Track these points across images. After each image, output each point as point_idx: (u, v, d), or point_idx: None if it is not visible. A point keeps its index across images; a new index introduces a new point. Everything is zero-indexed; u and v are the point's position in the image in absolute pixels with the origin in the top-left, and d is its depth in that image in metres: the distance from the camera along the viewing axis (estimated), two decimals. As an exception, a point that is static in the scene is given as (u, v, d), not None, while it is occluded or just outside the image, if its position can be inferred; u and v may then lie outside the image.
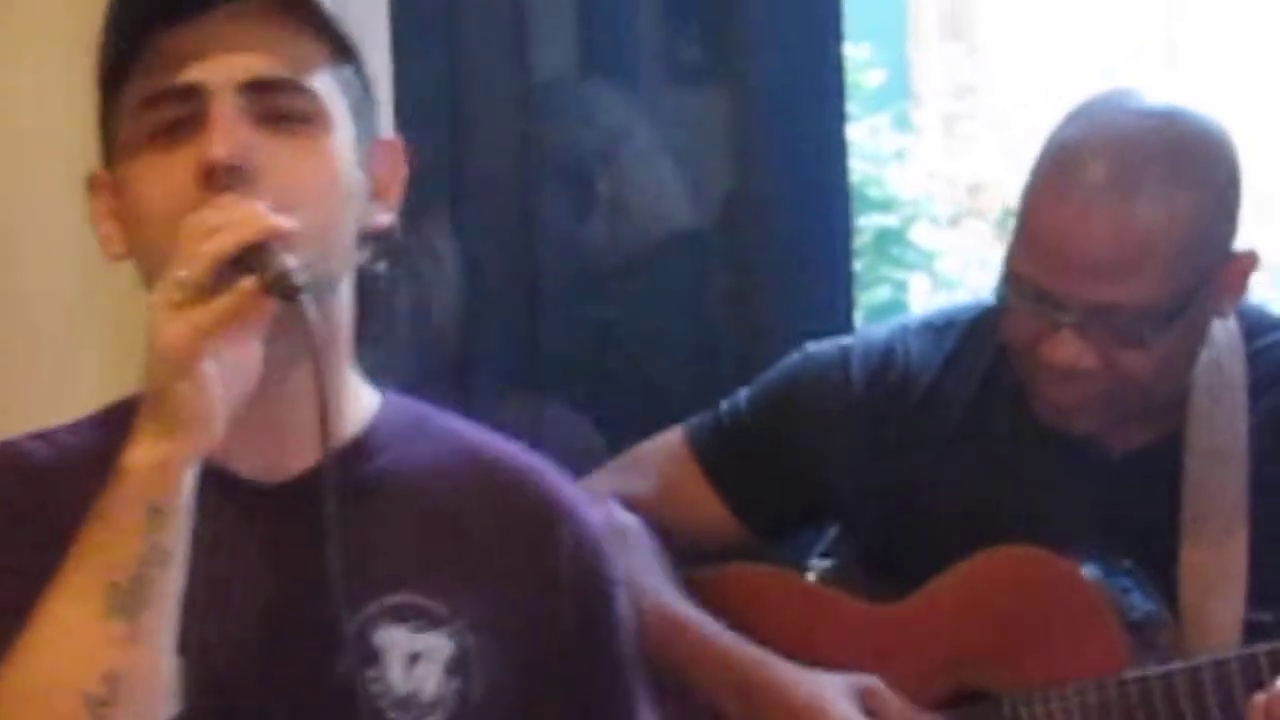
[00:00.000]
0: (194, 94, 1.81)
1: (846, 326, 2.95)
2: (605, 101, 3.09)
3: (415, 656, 1.86)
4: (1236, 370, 2.48)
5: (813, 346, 2.65)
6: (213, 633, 1.79)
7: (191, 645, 1.78)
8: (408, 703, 1.85)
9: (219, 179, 1.78)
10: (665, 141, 3.09)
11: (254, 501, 1.85)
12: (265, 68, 1.82)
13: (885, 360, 2.58)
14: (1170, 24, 7.07)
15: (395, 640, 1.86)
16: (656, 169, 3.10)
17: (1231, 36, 6.82)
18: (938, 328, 2.60)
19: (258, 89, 1.82)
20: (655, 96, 3.10)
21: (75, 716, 1.70)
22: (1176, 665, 2.38)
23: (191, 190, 1.78)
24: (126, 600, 1.72)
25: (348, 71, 1.88)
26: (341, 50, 1.87)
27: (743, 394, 2.65)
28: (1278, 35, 6.75)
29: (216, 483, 1.79)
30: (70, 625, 1.72)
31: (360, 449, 1.90)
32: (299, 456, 1.85)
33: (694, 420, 2.66)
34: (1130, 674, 2.39)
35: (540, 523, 1.94)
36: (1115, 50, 6.73)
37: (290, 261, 1.73)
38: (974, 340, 2.57)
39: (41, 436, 1.91)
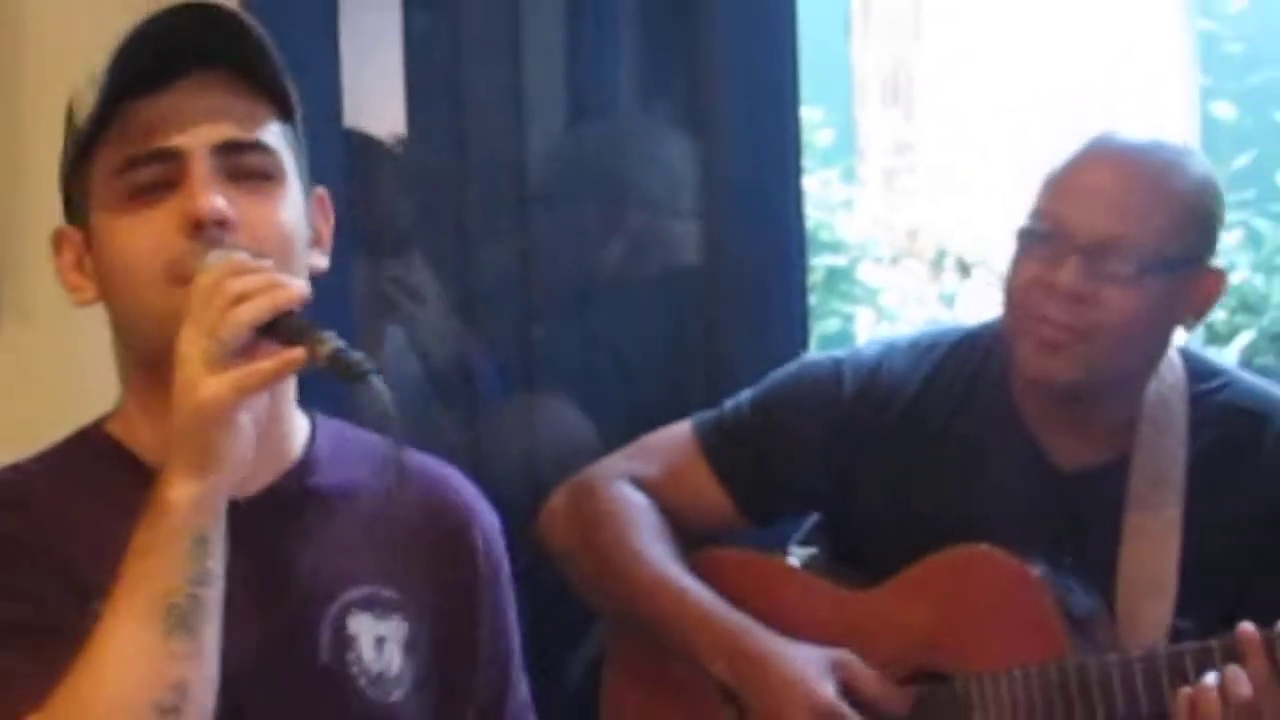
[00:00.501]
0: (172, 156, 1.81)
1: (801, 352, 2.94)
2: (593, 157, 3.10)
3: (381, 639, 1.88)
4: (1179, 408, 2.51)
5: (810, 357, 2.71)
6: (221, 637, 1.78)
7: None
8: (379, 680, 1.87)
9: (206, 230, 1.78)
10: (647, 191, 3.11)
11: (230, 517, 1.78)
12: (234, 131, 1.82)
13: (874, 375, 2.60)
14: (1093, 92, 7.13)
15: (365, 626, 1.88)
16: (638, 215, 3.11)
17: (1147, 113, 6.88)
18: (923, 348, 2.62)
19: (228, 150, 1.82)
20: (637, 153, 3.12)
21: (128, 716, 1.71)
22: (1111, 656, 2.40)
23: (175, 241, 1.79)
24: (186, 619, 1.72)
25: (290, 131, 1.88)
26: (286, 110, 1.87)
27: (746, 394, 2.67)
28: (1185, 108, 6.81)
29: None
30: (138, 644, 1.71)
31: (308, 466, 1.92)
32: (254, 478, 1.85)
33: (701, 415, 2.68)
34: (1070, 661, 2.41)
35: (458, 523, 1.98)
36: (1037, 115, 6.77)
37: (334, 338, 1.73)
38: (953, 361, 2.59)
39: (12, 469, 1.89)
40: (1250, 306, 5.94)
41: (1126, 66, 7.09)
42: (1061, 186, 2.46)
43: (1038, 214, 2.46)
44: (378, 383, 1.72)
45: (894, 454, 2.55)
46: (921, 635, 2.50)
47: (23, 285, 2.82)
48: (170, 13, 1.81)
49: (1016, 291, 2.46)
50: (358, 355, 1.73)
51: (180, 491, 1.72)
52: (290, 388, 1.90)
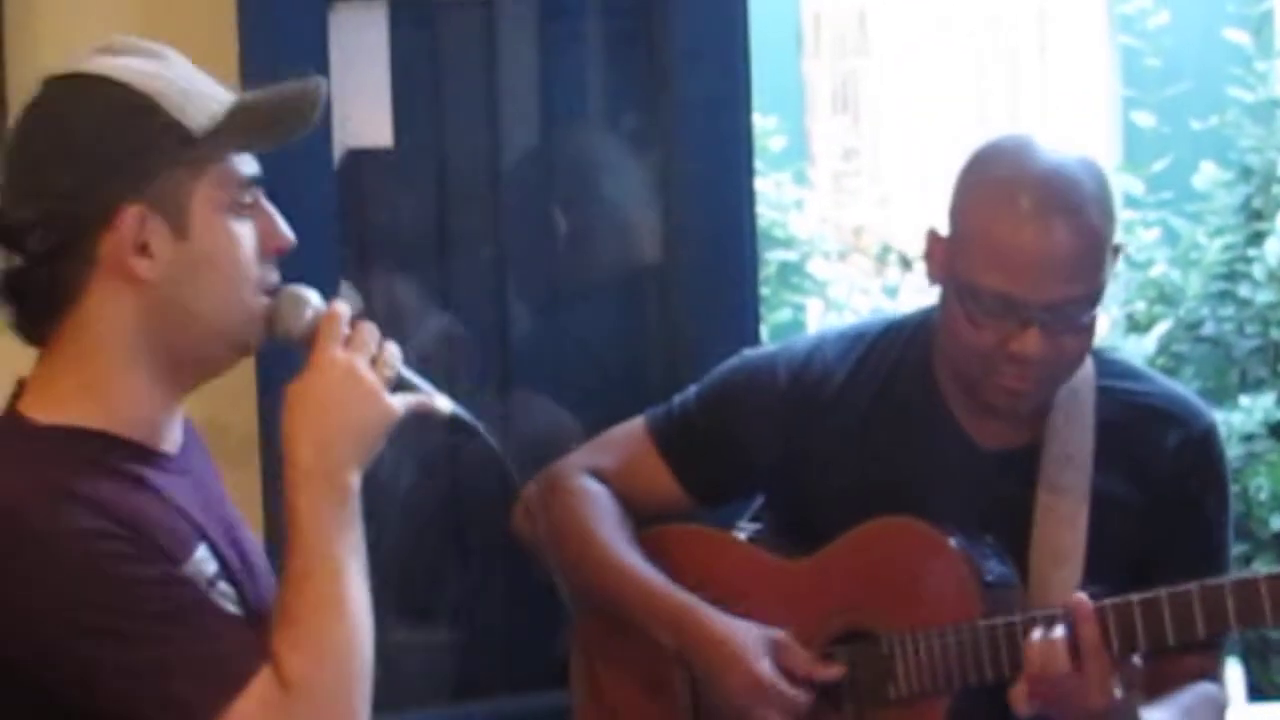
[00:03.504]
0: (258, 181, 1.92)
1: (754, 340, 2.97)
2: (563, 163, 3.10)
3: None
4: (1088, 398, 2.50)
5: (749, 352, 2.67)
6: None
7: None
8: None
9: (283, 254, 1.93)
10: (613, 194, 3.11)
11: (173, 465, 1.92)
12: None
13: (806, 364, 2.58)
14: (1013, 99, 7.15)
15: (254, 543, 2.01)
16: (605, 215, 3.11)
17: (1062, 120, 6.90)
18: (850, 339, 2.61)
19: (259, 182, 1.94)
20: (602, 159, 3.12)
21: (373, 659, 1.84)
22: (1016, 616, 2.40)
23: (256, 258, 1.91)
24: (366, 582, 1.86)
25: None
26: None
27: (693, 389, 2.66)
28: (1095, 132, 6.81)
29: (149, 454, 1.89)
30: (365, 598, 1.84)
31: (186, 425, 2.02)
32: (175, 435, 1.95)
33: (653, 409, 2.67)
34: (983, 622, 2.42)
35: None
36: (968, 121, 6.80)
37: (444, 399, 1.94)
38: (878, 350, 2.58)
39: (47, 471, 1.83)
40: (1168, 298, 5.95)
41: (1055, 78, 7.12)
42: (1005, 261, 2.35)
43: (985, 290, 2.36)
44: (489, 439, 1.96)
45: (827, 436, 2.54)
46: (850, 598, 2.51)
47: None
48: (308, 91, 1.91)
49: (975, 357, 2.41)
50: (467, 415, 1.95)
51: (357, 478, 1.86)
52: None
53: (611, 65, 3.13)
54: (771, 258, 6.06)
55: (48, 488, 1.78)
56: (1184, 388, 2.66)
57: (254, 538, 2.02)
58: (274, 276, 1.92)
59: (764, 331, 3.21)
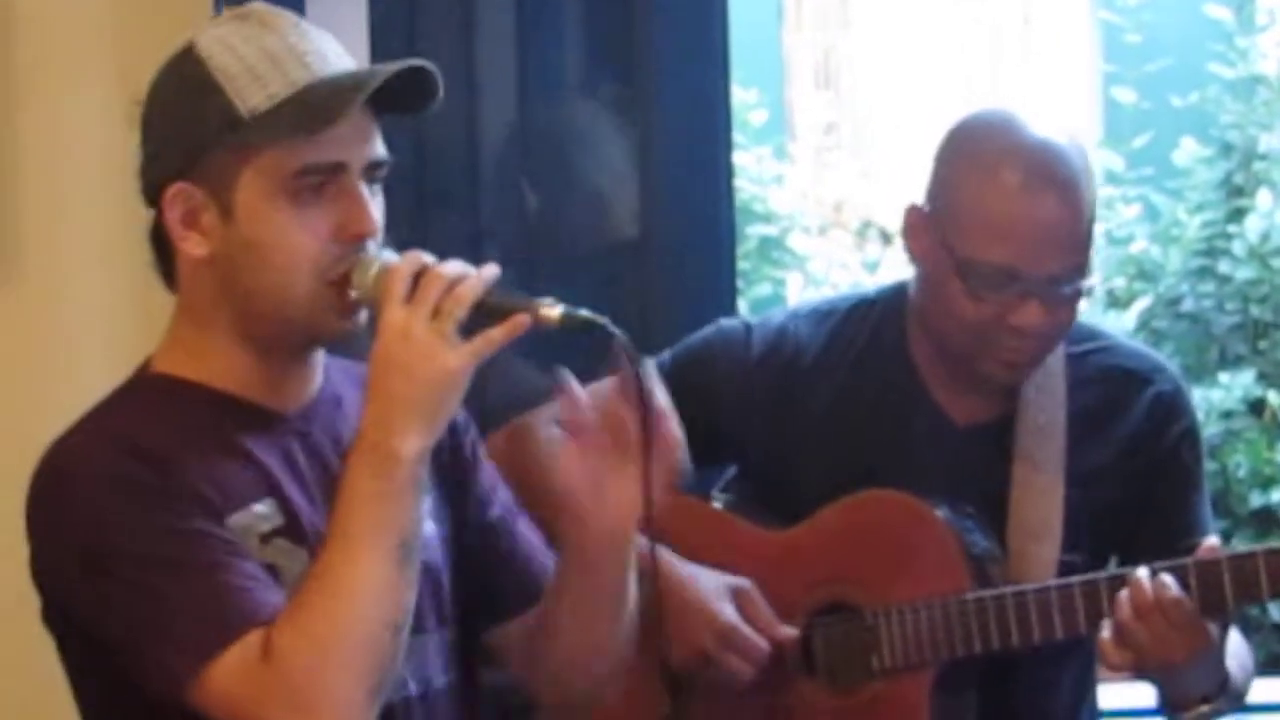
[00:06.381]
0: (340, 169, 1.85)
1: (730, 314, 2.87)
2: (538, 137, 3.06)
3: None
4: (1058, 368, 2.50)
5: (724, 321, 2.64)
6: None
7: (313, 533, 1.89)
8: (425, 544, 1.91)
9: (365, 241, 1.85)
10: (589, 167, 3.08)
11: (280, 424, 1.92)
12: (377, 151, 1.88)
13: (779, 338, 2.56)
14: (994, 75, 7.16)
15: None
16: (581, 189, 3.08)
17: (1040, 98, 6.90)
18: (823, 314, 2.59)
19: (371, 167, 1.88)
20: (580, 132, 3.09)
21: (388, 642, 1.79)
22: (1007, 589, 2.41)
23: (327, 246, 1.85)
24: (408, 555, 1.80)
25: None
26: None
27: (666, 354, 2.60)
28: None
29: (247, 409, 1.91)
30: (381, 578, 1.78)
31: (328, 380, 1.99)
32: (302, 392, 1.94)
33: None
34: (969, 596, 2.42)
35: None
36: (950, 97, 6.80)
37: (555, 301, 1.82)
38: (851, 325, 2.56)
39: (98, 420, 1.90)
40: (1147, 274, 5.97)
41: (1036, 54, 7.12)
42: (1006, 234, 2.36)
43: (986, 264, 2.37)
44: (613, 328, 1.83)
45: (802, 412, 2.52)
46: (834, 571, 2.49)
47: (16, 251, 2.82)
48: (396, 72, 1.85)
49: (973, 332, 2.41)
50: (585, 311, 1.83)
51: (413, 445, 1.79)
52: None
53: (589, 36, 3.10)
54: (752, 232, 6.07)
55: (98, 429, 1.87)
56: (1144, 345, 2.67)
57: None
58: (348, 264, 1.86)
59: (743, 306, 3.19)
